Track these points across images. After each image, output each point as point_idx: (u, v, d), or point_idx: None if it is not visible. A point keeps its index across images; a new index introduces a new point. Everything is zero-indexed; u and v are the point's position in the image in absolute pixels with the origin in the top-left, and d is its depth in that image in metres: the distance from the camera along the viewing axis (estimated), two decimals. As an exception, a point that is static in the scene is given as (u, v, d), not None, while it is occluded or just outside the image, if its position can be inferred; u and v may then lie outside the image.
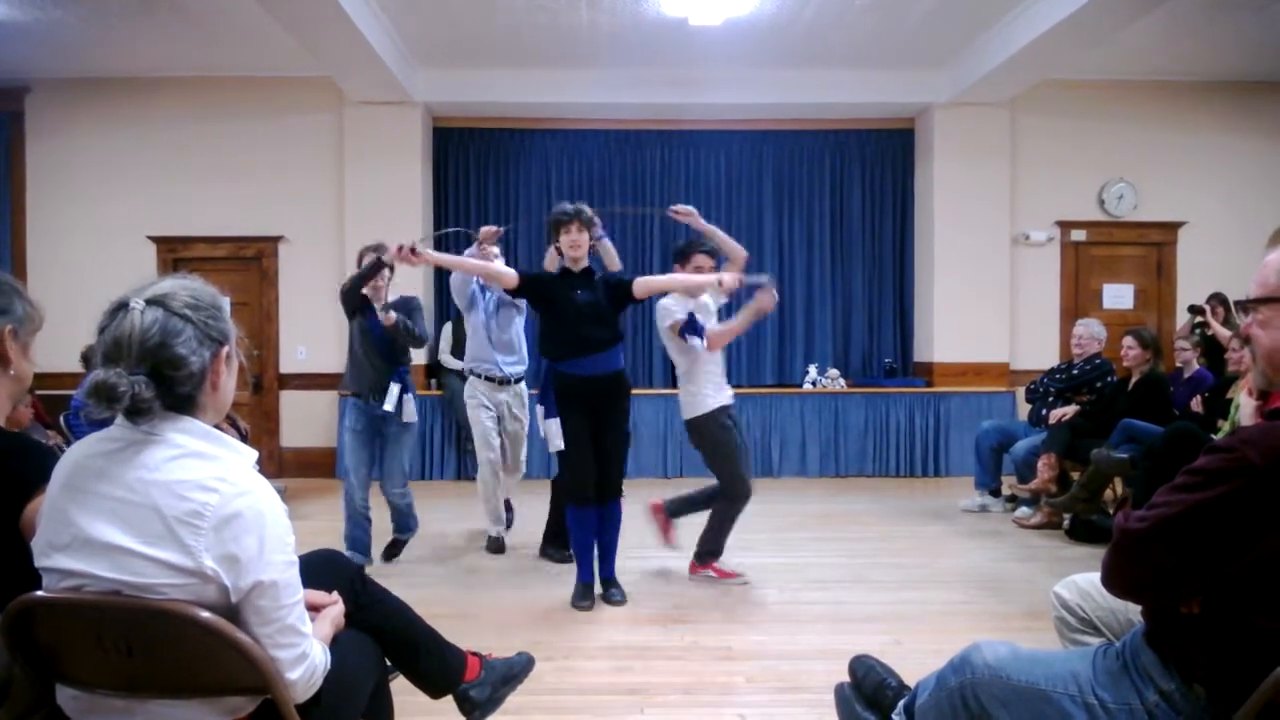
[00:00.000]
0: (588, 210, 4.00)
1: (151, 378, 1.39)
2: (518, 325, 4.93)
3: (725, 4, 5.95)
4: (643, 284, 3.98)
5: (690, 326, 4.09)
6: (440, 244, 5.34)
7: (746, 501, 4.27)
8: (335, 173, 7.54)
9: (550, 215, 4.07)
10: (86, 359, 3.79)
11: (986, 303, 7.63)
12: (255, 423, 7.28)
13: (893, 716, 2.01)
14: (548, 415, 3.94)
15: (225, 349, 1.49)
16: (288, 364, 7.65)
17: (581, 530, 4.00)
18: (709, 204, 7.92)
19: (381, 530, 4.68)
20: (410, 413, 4.49)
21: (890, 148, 8.07)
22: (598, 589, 4.04)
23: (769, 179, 8.01)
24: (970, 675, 1.68)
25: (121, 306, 1.42)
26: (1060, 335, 7.69)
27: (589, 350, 3.91)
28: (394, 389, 4.39)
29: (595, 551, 4.04)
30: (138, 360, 1.39)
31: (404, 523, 4.68)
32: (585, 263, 4.02)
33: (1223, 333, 5.99)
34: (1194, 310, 6.50)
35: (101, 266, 7.23)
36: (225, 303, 1.55)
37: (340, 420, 5.27)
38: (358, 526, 4.50)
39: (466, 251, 4.59)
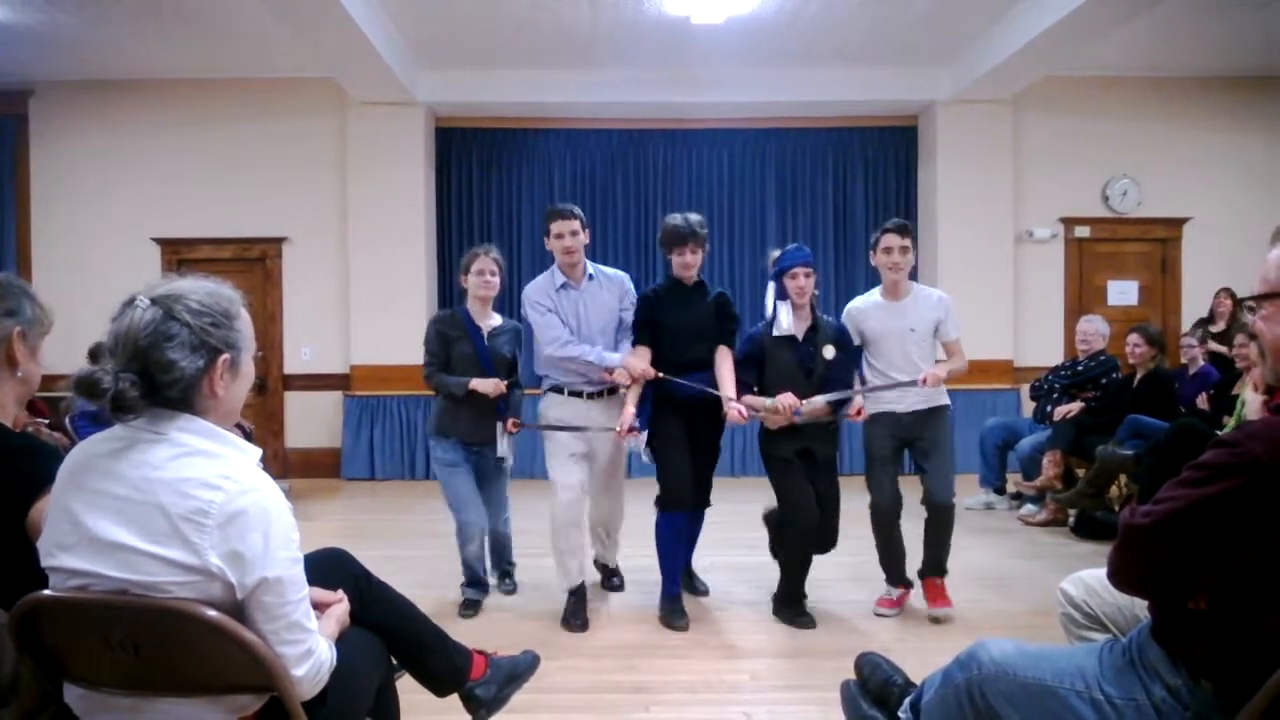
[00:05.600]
0: (702, 229, 3.72)
1: (141, 377, 1.40)
2: None
3: (727, 2, 5.92)
4: (723, 356, 3.73)
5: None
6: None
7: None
8: (338, 174, 7.54)
9: (663, 230, 3.75)
10: (94, 354, 3.78)
11: (990, 300, 7.59)
12: (259, 424, 7.30)
13: (899, 714, 2.01)
14: (641, 428, 3.71)
15: (224, 357, 1.47)
16: (292, 365, 7.66)
17: (675, 538, 3.77)
18: (712, 202, 7.90)
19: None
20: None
21: (893, 145, 8.05)
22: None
23: (772, 177, 7.99)
24: (976, 672, 1.68)
25: (130, 302, 1.44)
26: (1064, 332, 7.66)
27: (691, 369, 3.70)
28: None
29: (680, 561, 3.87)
30: (129, 359, 1.40)
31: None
32: (695, 278, 3.80)
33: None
34: (1236, 302, 6.26)
35: (106, 269, 7.25)
36: (242, 311, 1.54)
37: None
38: None
39: (615, 356, 3.82)
